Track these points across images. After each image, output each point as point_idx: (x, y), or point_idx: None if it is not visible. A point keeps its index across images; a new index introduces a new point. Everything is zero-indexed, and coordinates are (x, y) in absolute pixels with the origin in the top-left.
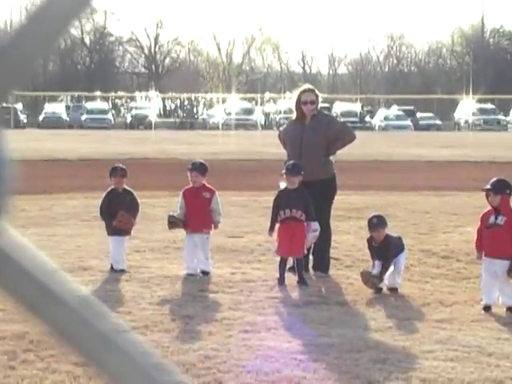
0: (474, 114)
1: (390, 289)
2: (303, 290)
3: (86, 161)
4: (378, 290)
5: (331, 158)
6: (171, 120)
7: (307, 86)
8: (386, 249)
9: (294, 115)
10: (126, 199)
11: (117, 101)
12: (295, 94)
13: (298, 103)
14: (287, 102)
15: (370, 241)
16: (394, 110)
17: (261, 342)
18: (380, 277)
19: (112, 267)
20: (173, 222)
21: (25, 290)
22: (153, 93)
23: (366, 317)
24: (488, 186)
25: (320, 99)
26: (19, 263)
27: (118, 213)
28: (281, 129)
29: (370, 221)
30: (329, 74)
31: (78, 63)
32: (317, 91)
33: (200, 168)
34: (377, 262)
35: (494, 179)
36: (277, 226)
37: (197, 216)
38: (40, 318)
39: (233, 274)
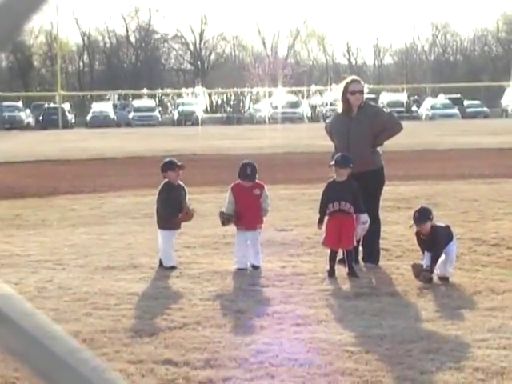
0: None
1: (440, 278)
2: (354, 282)
3: (134, 158)
4: (429, 280)
5: (378, 148)
6: (218, 115)
7: (353, 76)
8: (434, 240)
9: (339, 108)
10: (182, 193)
11: (163, 98)
12: (341, 85)
13: (345, 94)
14: (333, 93)
15: (417, 234)
16: (441, 98)
17: (312, 335)
18: (431, 269)
19: (161, 263)
20: (226, 219)
21: None
22: (199, 89)
23: (417, 307)
24: None
25: (366, 90)
26: None
27: (184, 206)
28: (327, 121)
29: (414, 215)
30: (374, 64)
31: (124, 62)
32: (362, 82)
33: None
34: (426, 254)
35: None
36: (325, 218)
37: (248, 213)
38: None
39: (283, 268)
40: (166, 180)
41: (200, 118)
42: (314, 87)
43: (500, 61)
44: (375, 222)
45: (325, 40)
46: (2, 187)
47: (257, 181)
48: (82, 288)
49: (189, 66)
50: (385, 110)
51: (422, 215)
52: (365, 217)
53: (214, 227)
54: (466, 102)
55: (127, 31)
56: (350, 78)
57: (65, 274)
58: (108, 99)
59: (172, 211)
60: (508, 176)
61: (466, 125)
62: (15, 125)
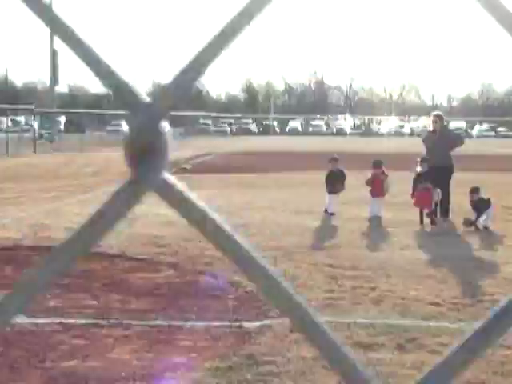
0: None
1: (484, 227)
2: (434, 227)
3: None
4: (469, 225)
5: (451, 153)
6: (359, 131)
7: (436, 112)
8: (479, 205)
9: (430, 128)
10: (340, 175)
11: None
12: (430, 117)
13: (432, 122)
14: (425, 120)
15: (471, 201)
16: (484, 126)
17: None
18: (474, 221)
19: (326, 211)
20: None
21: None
22: (348, 116)
23: (470, 241)
24: None
25: (444, 119)
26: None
27: (341, 183)
28: (422, 136)
29: (470, 190)
30: (448, 106)
31: None
32: (442, 115)
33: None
34: (475, 213)
35: None
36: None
37: (377, 188)
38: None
39: (392, 217)
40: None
41: (348, 132)
42: (412, 117)
43: None
44: (447, 194)
45: (419, 91)
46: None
47: (384, 171)
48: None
49: (343, 103)
50: (455, 131)
51: (474, 190)
52: (437, 190)
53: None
54: (499, 128)
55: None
56: (434, 113)
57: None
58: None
59: (334, 183)
60: None
61: (500, 142)
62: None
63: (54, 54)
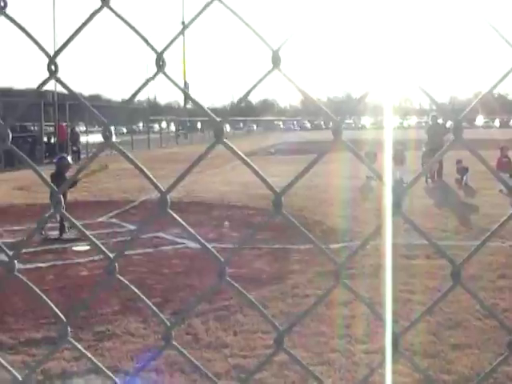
0: None
1: (465, 183)
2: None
3: None
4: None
5: (443, 138)
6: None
7: (433, 113)
8: (461, 171)
9: (430, 123)
10: None
11: None
12: (429, 116)
13: (432, 118)
14: (417, 118)
15: (457, 168)
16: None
17: None
18: (460, 180)
19: None
20: None
21: None
22: None
23: (454, 191)
24: None
25: (437, 118)
26: None
27: None
28: (425, 129)
29: (456, 161)
30: (430, 109)
31: None
32: (436, 115)
33: None
34: (459, 176)
35: None
36: None
37: None
38: None
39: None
40: None
41: (367, 127)
42: (408, 116)
43: None
44: (441, 164)
45: (411, 101)
46: None
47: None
48: None
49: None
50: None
51: (458, 161)
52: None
53: None
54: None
55: None
56: (432, 114)
57: None
58: None
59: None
60: None
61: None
62: None
63: (185, 84)
